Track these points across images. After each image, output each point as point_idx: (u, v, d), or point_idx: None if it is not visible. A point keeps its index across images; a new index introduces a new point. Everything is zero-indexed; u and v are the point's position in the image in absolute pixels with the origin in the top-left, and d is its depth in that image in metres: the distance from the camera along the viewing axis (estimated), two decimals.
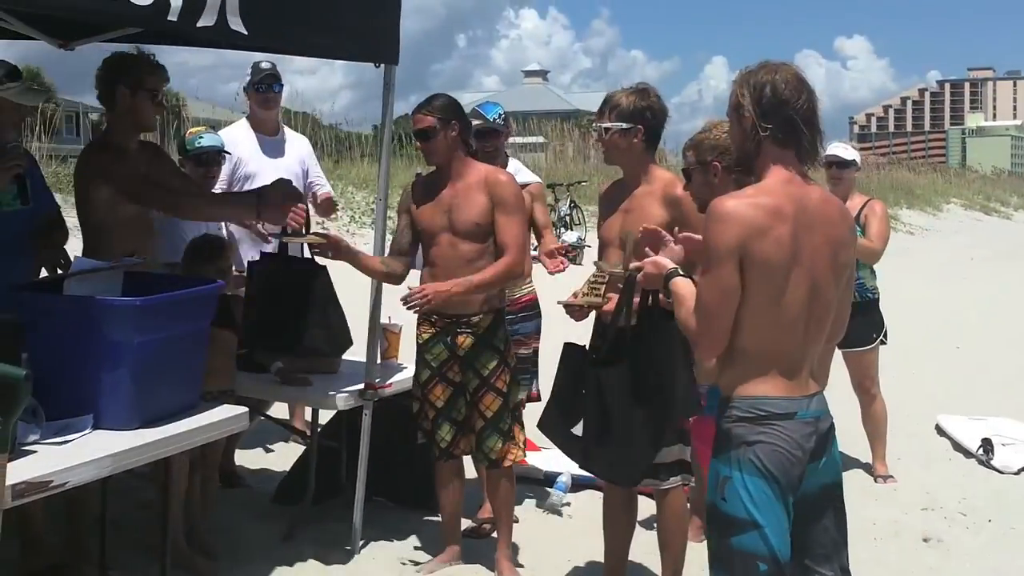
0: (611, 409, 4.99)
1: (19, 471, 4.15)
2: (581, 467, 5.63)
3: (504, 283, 6.16)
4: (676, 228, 5.08)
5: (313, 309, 6.41)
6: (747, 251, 3.67)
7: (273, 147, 7.86)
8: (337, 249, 5.97)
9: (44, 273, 5.83)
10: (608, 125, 5.53)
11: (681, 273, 3.97)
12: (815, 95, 3.88)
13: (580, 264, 20.70)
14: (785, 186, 3.79)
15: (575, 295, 5.54)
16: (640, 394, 4.99)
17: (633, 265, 4.31)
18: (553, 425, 5.46)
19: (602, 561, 5.89)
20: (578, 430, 5.26)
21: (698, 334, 3.80)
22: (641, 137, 5.52)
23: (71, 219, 6.19)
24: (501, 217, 5.93)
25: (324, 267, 6.42)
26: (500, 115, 7.08)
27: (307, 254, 6.59)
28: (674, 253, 4.46)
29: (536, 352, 7.22)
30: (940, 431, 9.75)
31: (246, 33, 5.22)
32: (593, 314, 5.55)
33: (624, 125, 5.50)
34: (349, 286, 9.42)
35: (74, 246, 5.97)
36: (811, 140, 3.84)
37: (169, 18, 4.85)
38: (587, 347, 5.51)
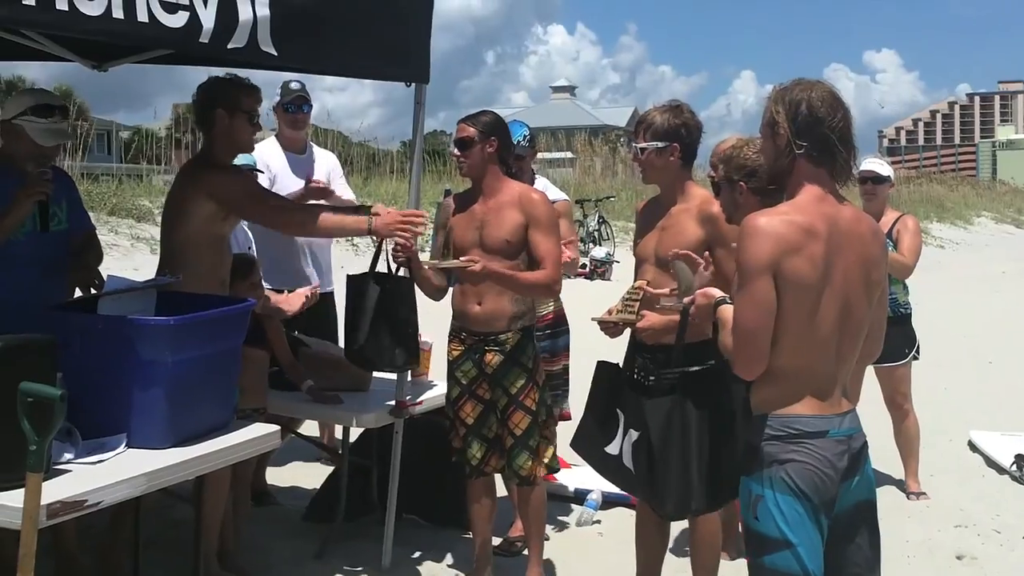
0: (658, 440, 4.92)
1: (54, 490, 4.18)
2: (622, 489, 5.57)
3: (537, 294, 6.21)
4: (706, 252, 5.12)
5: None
6: (780, 268, 3.66)
7: (301, 166, 7.89)
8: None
9: (78, 293, 5.86)
10: (644, 145, 5.52)
11: (729, 301, 3.95)
12: (850, 113, 3.87)
13: (609, 280, 20.76)
14: (818, 204, 3.79)
15: (609, 312, 5.54)
16: (694, 427, 4.90)
17: (687, 299, 4.30)
18: (587, 444, 5.43)
19: None
20: (612, 449, 5.23)
21: (735, 353, 3.77)
22: (677, 155, 5.52)
23: (104, 238, 6.22)
24: (536, 234, 5.95)
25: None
26: (525, 137, 7.06)
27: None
28: (703, 279, 4.45)
29: (566, 369, 7.20)
30: (973, 447, 9.70)
31: (276, 55, 5.25)
32: (628, 331, 5.55)
33: (659, 144, 5.49)
34: None
35: (107, 265, 6.00)
36: (845, 159, 3.84)
37: (200, 40, 4.88)
38: (621, 365, 5.50)
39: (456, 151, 6.08)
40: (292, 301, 6.68)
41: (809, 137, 3.79)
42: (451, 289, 6.23)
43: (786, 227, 3.70)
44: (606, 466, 5.33)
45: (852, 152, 3.87)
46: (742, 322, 3.73)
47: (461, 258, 5.89)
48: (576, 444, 5.49)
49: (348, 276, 6.37)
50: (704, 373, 4.79)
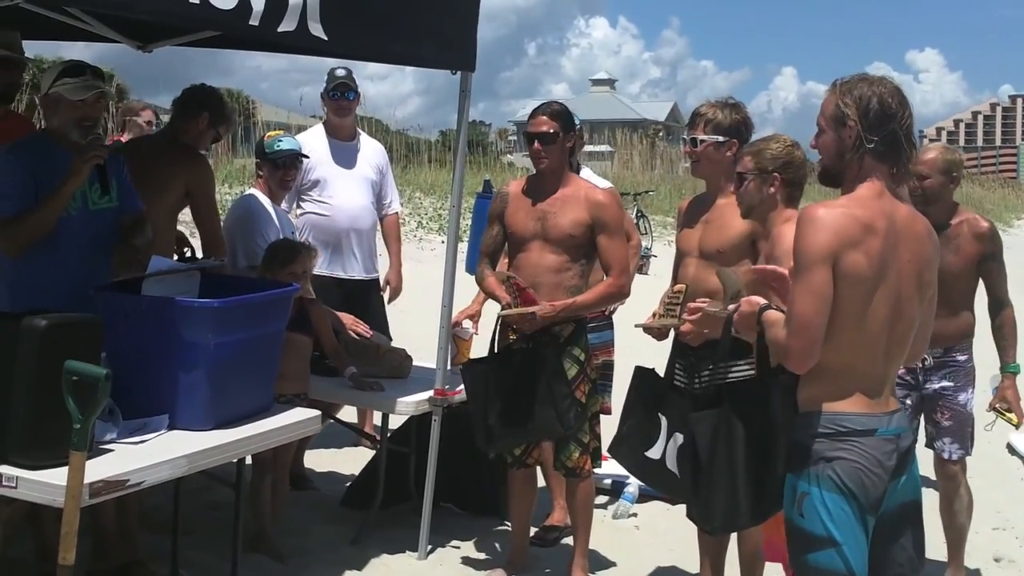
0: (705, 454, 4.89)
1: (96, 469, 4.21)
2: (664, 493, 5.55)
3: (606, 304, 6.31)
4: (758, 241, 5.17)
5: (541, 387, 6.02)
6: (837, 260, 3.62)
7: (347, 154, 7.90)
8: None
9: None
10: (704, 138, 5.53)
11: (774, 307, 3.92)
12: (913, 112, 3.84)
13: (647, 274, 20.74)
14: (877, 200, 3.75)
15: (653, 316, 5.54)
16: (741, 441, 4.86)
17: (731, 307, 4.27)
18: (626, 450, 5.41)
19: (668, 572, 5.86)
20: (654, 453, 5.21)
21: (788, 345, 3.70)
22: (734, 151, 5.52)
23: None
24: (604, 239, 5.95)
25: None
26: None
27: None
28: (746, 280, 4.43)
29: (607, 365, 7.15)
30: (1012, 450, 9.64)
31: (326, 39, 5.24)
32: (672, 333, 5.54)
33: (720, 139, 5.51)
34: (420, 292, 9.44)
35: None
36: (908, 156, 3.81)
37: (251, 22, 4.88)
38: (663, 368, 5.50)
39: (537, 144, 6.00)
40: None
41: (879, 132, 3.75)
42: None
43: (846, 220, 3.67)
44: (646, 471, 5.34)
45: (913, 151, 3.85)
46: (798, 311, 3.67)
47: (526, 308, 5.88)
48: (614, 450, 5.49)
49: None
50: (749, 384, 4.77)
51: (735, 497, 4.56)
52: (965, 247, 6.13)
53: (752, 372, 5.21)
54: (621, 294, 6.13)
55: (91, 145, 5.33)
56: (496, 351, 6.16)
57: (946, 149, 6.30)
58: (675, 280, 5.67)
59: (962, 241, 6.13)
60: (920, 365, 6.15)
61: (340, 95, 7.92)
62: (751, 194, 5.19)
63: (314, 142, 7.78)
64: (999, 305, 6.25)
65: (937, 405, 6.23)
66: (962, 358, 6.21)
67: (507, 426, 5.96)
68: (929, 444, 6.30)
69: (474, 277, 6.33)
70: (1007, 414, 6.17)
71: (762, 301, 4.00)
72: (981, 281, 6.33)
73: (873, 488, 3.71)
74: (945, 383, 6.22)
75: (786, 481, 3.85)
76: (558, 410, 5.85)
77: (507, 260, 6.23)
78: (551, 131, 5.96)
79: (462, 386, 6.55)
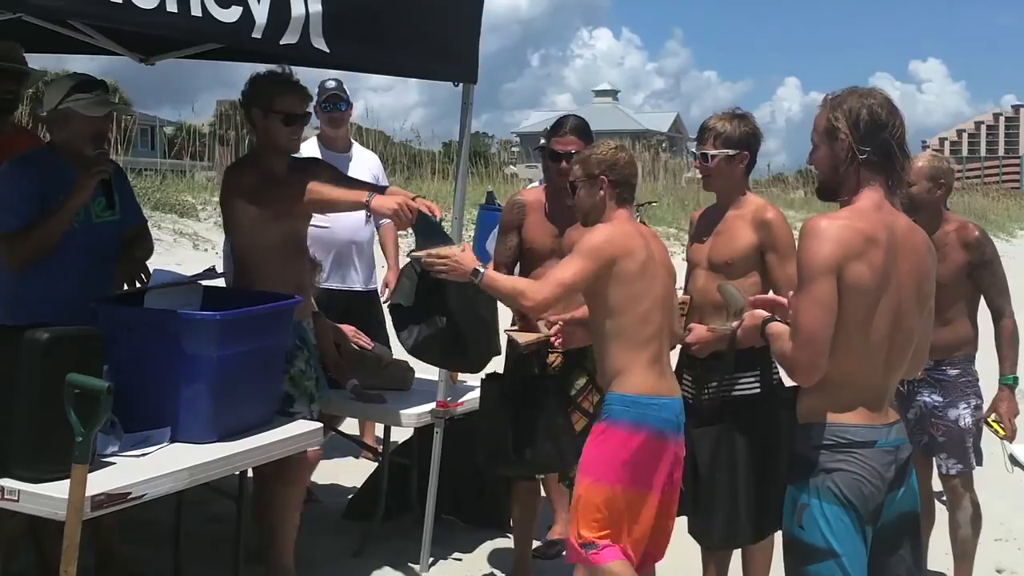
0: (705, 470, 4.87)
1: (98, 483, 4.21)
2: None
3: None
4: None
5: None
6: (841, 272, 3.63)
7: (342, 165, 7.85)
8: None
9: (124, 287, 5.86)
10: (714, 152, 5.49)
11: (776, 319, 3.92)
12: (904, 120, 3.85)
13: None
14: (877, 212, 3.76)
15: None
16: (743, 458, 4.83)
17: (734, 324, 4.26)
18: None
19: None
20: None
21: (794, 358, 3.70)
22: (745, 163, 5.51)
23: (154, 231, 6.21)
24: None
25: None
26: None
27: None
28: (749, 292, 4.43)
29: None
30: (1014, 460, 9.59)
31: (328, 52, 5.24)
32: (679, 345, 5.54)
33: (731, 152, 5.47)
34: None
35: (150, 260, 5.98)
36: (903, 165, 3.82)
37: (253, 35, 4.88)
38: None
39: (564, 163, 5.89)
40: None
41: (871, 142, 3.77)
42: None
43: (849, 232, 3.68)
44: None
45: (907, 159, 3.85)
46: (804, 323, 3.67)
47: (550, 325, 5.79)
48: None
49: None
50: (752, 401, 4.76)
51: (735, 513, 4.55)
52: (952, 256, 6.08)
53: (757, 385, 5.23)
54: None
55: (97, 160, 5.34)
56: (511, 370, 6.11)
57: (934, 157, 6.28)
58: (686, 291, 5.66)
59: (949, 250, 6.08)
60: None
61: (332, 107, 7.93)
62: (583, 200, 5.17)
63: (308, 155, 7.77)
64: (997, 315, 6.21)
65: (930, 420, 6.21)
66: (953, 372, 6.17)
67: (511, 453, 5.88)
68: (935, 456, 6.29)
69: None
70: (994, 425, 6.12)
71: (765, 314, 4.00)
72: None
73: (872, 499, 3.72)
74: (935, 397, 6.20)
75: (786, 493, 3.85)
76: (558, 446, 5.84)
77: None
78: (576, 150, 5.87)
79: (463, 398, 6.57)
